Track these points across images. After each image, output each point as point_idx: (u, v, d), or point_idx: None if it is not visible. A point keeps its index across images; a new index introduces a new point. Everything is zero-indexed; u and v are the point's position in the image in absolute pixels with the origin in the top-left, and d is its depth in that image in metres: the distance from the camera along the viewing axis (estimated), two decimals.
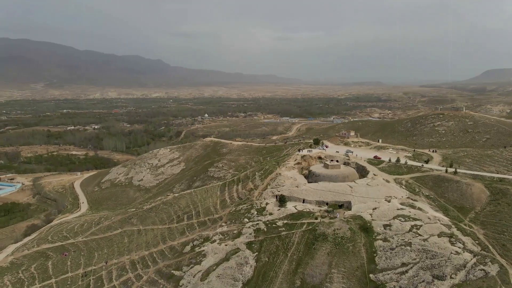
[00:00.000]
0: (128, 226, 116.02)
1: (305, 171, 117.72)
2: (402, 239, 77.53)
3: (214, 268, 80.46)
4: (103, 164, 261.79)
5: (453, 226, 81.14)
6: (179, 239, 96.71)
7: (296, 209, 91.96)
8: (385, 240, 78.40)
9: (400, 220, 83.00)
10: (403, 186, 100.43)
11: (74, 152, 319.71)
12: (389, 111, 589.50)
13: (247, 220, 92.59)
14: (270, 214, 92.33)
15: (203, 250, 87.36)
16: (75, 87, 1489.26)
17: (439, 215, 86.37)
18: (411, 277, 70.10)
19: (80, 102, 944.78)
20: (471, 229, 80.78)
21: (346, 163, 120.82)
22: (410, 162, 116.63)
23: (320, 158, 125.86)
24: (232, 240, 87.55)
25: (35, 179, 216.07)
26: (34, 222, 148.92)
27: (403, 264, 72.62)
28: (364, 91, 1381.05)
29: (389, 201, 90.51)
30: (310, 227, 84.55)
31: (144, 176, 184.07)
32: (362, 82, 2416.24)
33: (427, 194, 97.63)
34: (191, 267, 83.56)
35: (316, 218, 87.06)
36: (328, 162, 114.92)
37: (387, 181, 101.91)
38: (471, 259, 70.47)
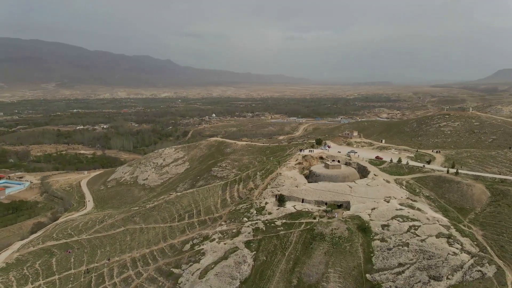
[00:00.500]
0: (131, 224, 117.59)
1: (306, 171, 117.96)
2: (400, 240, 77.49)
3: (212, 266, 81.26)
4: (110, 163, 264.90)
5: (452, 227, 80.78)
6: (180, 238, 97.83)
7: (295, 208, 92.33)
8: (382, 240, 78.43)
9: (398, 220, 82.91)
10: (403, 187, 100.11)
11: (82, 151, 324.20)
12: (398, 111, 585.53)
13: (246, 219, 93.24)
14: (269, 213, 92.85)
15: (202, 249, 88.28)
16: (85, 87, 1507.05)
17: (438, 215, 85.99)
18: (408, 278, 70.11)
19: (90, 102, 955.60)
20: (470, 230, 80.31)
21: (347, 163, 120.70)
22: (411, 163, 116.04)
23: (321, 158, 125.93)
24: (231, 239, 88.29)
25: (43, 178, 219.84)
26: (40, 220, 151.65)
27: (400, 264, 72.65)
28: (374, 91, 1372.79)
29: (388, 202, 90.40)
30: (308, 226, 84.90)
31: (149, 175, 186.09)
32: (372, 82, 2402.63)
33: (427, 194, 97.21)
34: (190, 265, 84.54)
35: (314, 218, 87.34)
36: (328, 162, 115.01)
37: (387, 182, 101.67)
38: (469, 260, 70.24)
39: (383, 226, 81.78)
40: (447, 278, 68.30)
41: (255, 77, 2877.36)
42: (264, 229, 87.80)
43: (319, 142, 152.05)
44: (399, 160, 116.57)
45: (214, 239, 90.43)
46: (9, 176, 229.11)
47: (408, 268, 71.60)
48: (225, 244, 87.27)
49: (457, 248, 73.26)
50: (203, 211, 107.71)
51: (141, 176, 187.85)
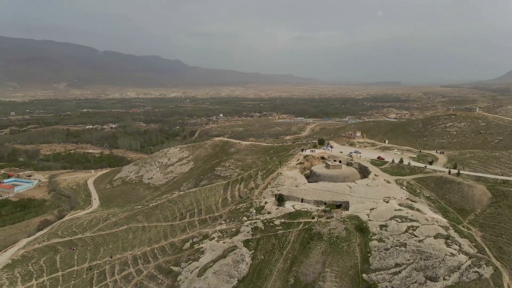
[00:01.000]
0: (133, 222, 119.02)
1: (307, 171, 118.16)
2: (398, 240, 77.42)
3: (211, 264, 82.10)
4: (117, 163, 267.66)
5: (450, 227, 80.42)
6: (180, 236, 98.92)
7: (294, 208, 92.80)
8: (380, 240, 78.41)
9: (397, 221, 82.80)
10: (404, 187, 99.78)
11: (90, 151, 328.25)
12: (407, 112, 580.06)
13: (246, 219, 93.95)
14: (269, 213, 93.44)
15: (202, 247, 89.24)
16: (95, 87, 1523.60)
17: (438, 216, 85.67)
18: (404, 278, 70.05)
19: (100, 102, 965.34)
20: (469, 231, 79.84)
21: (349, 164, 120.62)
22: (413, 163, 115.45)
23: (323, 158, 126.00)
24: (230, 238, 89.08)
25: (51, 176, 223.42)
26: (47, 218, 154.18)
27: (397, 265, 72.60)
28: (383, 91, 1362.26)
29: (387, 202, 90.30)
30: (307, 226, 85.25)
31: (154, 175, 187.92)
32: (381, 82, 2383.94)
33: (428, 195, 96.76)
34: (189, 263, 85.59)
35: (313, 218, 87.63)
36: (329, 162, 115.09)
37: (388, 182, 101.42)
38: (466, 261, 69.93)
39: (381, 227, 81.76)
40: (444, 279, 68.09)
41: (264, 77, 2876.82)
42: (263, 228, 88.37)
43: (321, 142, 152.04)
44: (401, 161, 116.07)
45: (213, 238, 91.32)
46: (18, 174, 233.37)
47: (404, 268, 71.52)
48: (224, 243, 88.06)
49: (455, 249, 72.95)
50: (204, 210, 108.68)
51: (146, 175, 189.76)
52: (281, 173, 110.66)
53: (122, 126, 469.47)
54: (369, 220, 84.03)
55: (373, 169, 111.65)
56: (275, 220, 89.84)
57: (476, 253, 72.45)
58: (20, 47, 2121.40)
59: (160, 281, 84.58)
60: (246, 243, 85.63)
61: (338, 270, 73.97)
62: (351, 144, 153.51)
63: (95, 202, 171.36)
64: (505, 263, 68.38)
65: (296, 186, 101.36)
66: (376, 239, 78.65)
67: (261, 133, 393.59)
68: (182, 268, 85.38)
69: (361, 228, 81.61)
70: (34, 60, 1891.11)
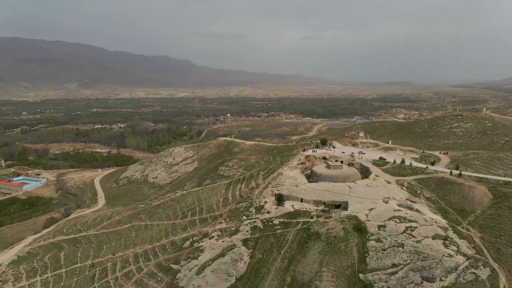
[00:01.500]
0: (136, 221, 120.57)
1: (309, 171, 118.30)
2: (395, 240, 77.32)
3: (210, 263, 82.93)
4: (124, 162, 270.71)
5: (449, 228, 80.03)
6: (181, 235, 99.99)
7: (293, 208, 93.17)
8: (378, 240, 78.39)
9: (395, 221, 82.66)
10: (404, 188, 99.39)
11: (98, 150, 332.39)
12: (416, 112, 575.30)
13: (245, 218, 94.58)
14: (268, 212, 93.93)
15: (201, 246, 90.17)
16: (105, 86, 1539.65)
17: (437, 217, 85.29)
18: (400, 278, 70.01)
19: (110, 102, 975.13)
20: (468, 232, 79.33)
21: (350, 164, 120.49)
22: (415, 164, 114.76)
23: (324, 158, 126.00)
24: (229, 236, 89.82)
25: (59, 175, 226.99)
26: (53, 216, 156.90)
27: (394, 265, 72.56)
28: (393, 91, 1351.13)
29: (386, 202, 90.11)
30: (305, 226, 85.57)
31: (158, 174, 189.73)
32: (391, 82, 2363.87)
33: (428, 196, 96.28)
34: (189, 261, 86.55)
35: (311, 218, 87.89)
36: (330, 163, 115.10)
37: (388, 182, 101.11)
38: (464, 262, 69.62)
39: (379, 227, 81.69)
40: (440, 280, 67.89)
41: (273, 77, 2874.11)
42: (262, 227, 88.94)
43: (324, 143, 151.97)
44: (402, 161, 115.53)
45: (213, 237, 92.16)
46: (27, 173, 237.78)
47: (401, 268, 71.46)
48: (223, 241, 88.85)
49: (452, 250, 72.65)
50: (205, 209, 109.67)
51: (151, 174, 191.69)
52: (281, 173, 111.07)
53: (131, 125, 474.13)
54: (368, 220, 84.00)
55: (374, 170, 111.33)
56: (274, 220, 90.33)
57: (474, 254, 72.02)
58: (32, 47, 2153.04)
59: (159, 278, 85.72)
60: (245, 242, 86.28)
61: (335, 269, 74.21)
62: (354, 145, 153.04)
63: (101, 201, 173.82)
64: (502, 265, 67.90)
65: (296, 186, 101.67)
66: (374, 239, 78.63)
67: (268, 133, 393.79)
68: (182, 266, 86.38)
69: (359, 228, 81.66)
70: (46, 60, 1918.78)
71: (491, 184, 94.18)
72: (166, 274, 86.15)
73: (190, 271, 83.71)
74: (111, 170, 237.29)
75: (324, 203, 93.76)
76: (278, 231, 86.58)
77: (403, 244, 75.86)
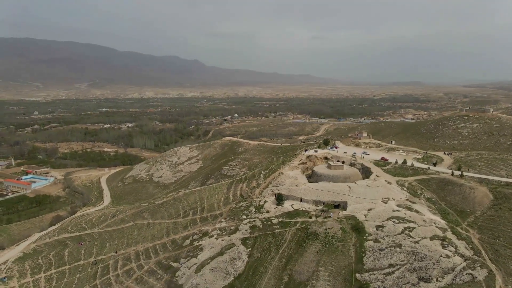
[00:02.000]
0: (139, 219, 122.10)
1: (310, 171, 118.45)
2: (393, 241, 77.24)
3: (208, 261, 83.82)
4: (131, 161, 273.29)
5: (448, 229, 79.66)
6: (181, 233, 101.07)
7: (292, 207, 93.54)
8: (375, 240, 78.39)
9: (393, 221, 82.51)
10: (405, 188, 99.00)
11: (106, 149, 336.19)
12: (425, 112, 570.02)
13: (245, 217, 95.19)
14: (267, 211, 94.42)
15: (201, 244, 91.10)
16: (115, 86, 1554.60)
17: (436, 218, 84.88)
18: (397, 278, 70.04)
19: (119, 101, 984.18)
20: (467, 233, 78.84)
21: (352, 164, 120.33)
22: (417, 164, 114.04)
23: (326, 158, 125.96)
24: (229, 235, 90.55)
25: (67, 174, 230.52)
26: (60, 213, 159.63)
27: (391, 265, 72.57)
28: (403, 91, 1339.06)
29: (385, 203, 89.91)
30: (303, 225, 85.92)
31: (163, 173, 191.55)
32: (402, 82, 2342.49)
33: (428, 196, 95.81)
34: (188, 260, 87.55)
35: (310, 217, 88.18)
36: (331, 163, 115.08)
37: (389, 183, 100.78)
38: (461, 263, 69.37)
39: (377, 227, 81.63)
40: (437, 280, 67.77)
41: (282, 77, 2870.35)
42: (260, 226, 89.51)
43: (326, 143, 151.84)
44: (404, 162, 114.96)
45: (212, 235, 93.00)
46: (36, 171, 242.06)
47: (398, 269, 71.46)
48: (222, 240, 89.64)
49: (450, 251, 72.38)
50: (206, 208, 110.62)
51: (156, 173, 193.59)
52: (282, 173, 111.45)
53: (139, 125, 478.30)
54: (366, 220, 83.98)
55: (375, 170, 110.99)
56: (273, 219, 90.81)
57: (472, 255, 71.63)
58: (45, 48, 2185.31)
59: (159, 276, 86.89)
60: (243, 241, 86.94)
61: (331, 269, 74.45)
62: (357, 145, 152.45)
63: (107, 199, 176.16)
64: (500, 266, 67.42)
65: (296, 186, 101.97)
66: (371, 240, 78.66)
67: (275, 133, 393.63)
68: (181, 264, 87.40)
69: (357, 228, 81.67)
70: (57, 61, 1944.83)
71: (493, 185, 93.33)
72: (166, 271, 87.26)
73: (189, 269, 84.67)
74: (118, 169, 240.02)
75: (323, 203, 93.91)
76: (276, 230, 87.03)
77: (400, 244, 75.77)
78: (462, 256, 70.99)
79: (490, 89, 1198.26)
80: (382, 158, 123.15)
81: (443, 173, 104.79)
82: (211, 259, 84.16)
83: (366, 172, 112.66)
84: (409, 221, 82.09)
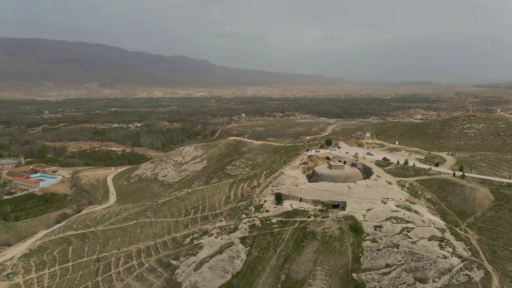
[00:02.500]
0: (142, 218, 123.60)
1: (311, 171, 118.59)
2: (391, 241, 77.27)
3: (207, 259, 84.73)
4: (137, 160, 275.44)
5: (447, 230, 79.39)
6: (182, 232, 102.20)
7: (291, 207, 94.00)
8: (373, 241, 78.46)
9: (392, 222, 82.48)
10: (405, 189, 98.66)
11: (113, 148, 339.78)
12: (434, 113, 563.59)
13: (245, 216, 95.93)
14: (267, 211, 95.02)
15: (201, 243, 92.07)
16: (125, 86, 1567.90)
17: (435, 218, 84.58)
18: (393, 278, 70.14)
19: (128, 101, 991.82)
20: (466, 234, 78.48)
21: (353, 164, 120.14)
22: (418, 165, 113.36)
23: (328, 158, 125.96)
24: (228, 234, 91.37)
25: (74, 172, 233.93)
26: (66, 211, 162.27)
27: (387, 265, 72.64)
28: (412, 91, 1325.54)
29: (385, 203, 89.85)
30: (302, 225, 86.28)
31: (168, 172, 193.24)
32: (412, 81, 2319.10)
33: (428, 197, 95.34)
34: (187, 258, 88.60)
35: (309, 217, 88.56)
36: (332, 163, 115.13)
37: (389, 183, 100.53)
38: (458, 264, 69.20)
39: (375, 227, 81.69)
40: (433, 281, 67.72)
41: (291, 77, 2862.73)
42: (259, 226, 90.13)
43: (328, 143, 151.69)
44: (406, 162, 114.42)
45: (212, 234, 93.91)
46: (44, 170, 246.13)
47: (395, 269, 71.52)
48: (222, 239, 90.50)
49: (448, 252, 72.21)
50: (207, 207, 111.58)
51: (161, 173, 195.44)
52: (283, 173, 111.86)
53: (147, 125, 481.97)
54: (364, 220, 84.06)
55: (376, 170, 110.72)
56: (272, 218, 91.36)
57: (470, 256, 71.36)
58: (56, 48, 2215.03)
59: (159, 273, 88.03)
60: (242, 240, 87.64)
61: (328, 268, 74.74)
62: (359, 145, 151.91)
63: (112, 198, 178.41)
64: (497, 267, 67.08)
65: (296, 186, 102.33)
66: (369, 240, 78.76)
67: (281, 133, 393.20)
68: (181, 262, 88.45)
69: (355, 228, 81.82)
70: (69, 61, 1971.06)
71: (494, 186, 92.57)
72: (166, 269, 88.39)
73: (188, 267, 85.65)
74: (124, 168, 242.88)
75: (323, 203, 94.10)
76: (275, 229, 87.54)
77: (398, 244, 75.76)
78: (459, 257, 70.77)
79: (502, 89, 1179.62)
80: (384, 159, 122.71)
81: (444, 173, 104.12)
82: (210, 258, 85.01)
83: (367, 172, 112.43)
84: (407, 222, 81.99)
